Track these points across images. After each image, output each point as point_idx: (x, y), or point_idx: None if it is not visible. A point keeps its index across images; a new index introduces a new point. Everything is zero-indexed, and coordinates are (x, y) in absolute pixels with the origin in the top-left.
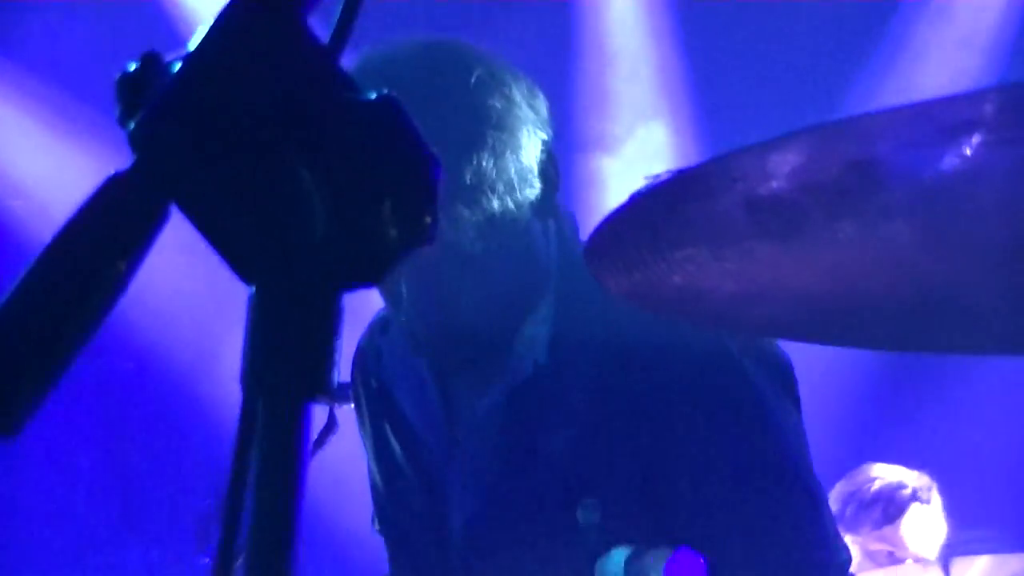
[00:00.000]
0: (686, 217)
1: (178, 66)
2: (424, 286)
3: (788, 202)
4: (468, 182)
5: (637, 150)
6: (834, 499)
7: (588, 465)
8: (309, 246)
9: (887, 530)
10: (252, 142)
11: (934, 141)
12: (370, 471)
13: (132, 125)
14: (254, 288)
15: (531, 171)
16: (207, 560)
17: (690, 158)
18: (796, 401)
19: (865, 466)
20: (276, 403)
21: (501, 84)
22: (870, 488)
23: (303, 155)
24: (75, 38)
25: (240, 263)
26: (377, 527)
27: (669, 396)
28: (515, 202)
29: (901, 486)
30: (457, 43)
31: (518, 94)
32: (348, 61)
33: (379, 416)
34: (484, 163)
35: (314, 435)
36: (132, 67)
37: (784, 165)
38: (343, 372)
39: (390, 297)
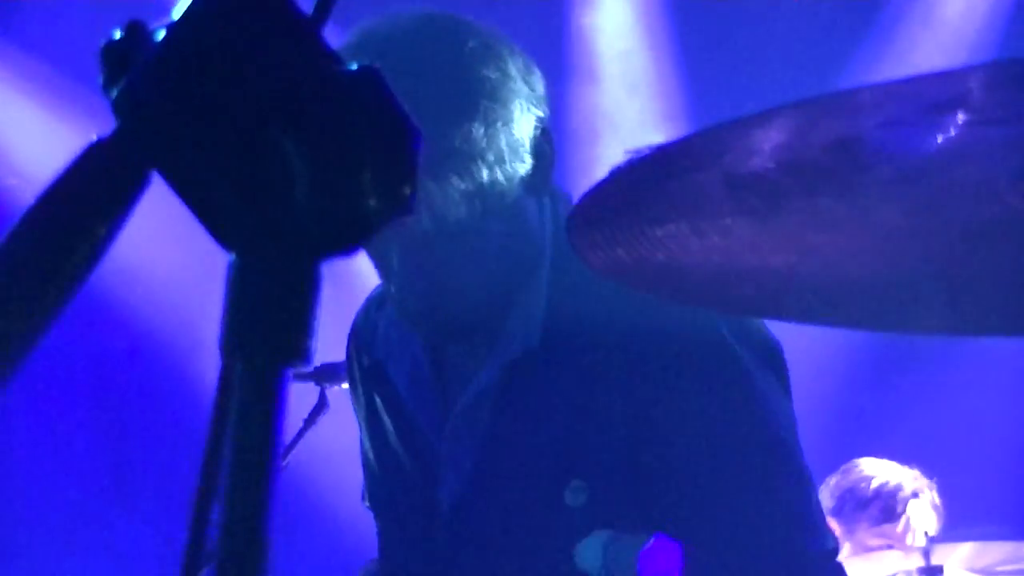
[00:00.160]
0: (667, 193)
1: (162, 34)
2: (414, 257)
3: (769, 180)
4: (458, 149)
5: (630, 131)
6: (828, 494)
7: (577, 446)
8: (289, 214)
9: (887, 527)
10: (234, 111)
11: (919, 119)
12: (362, 448)
13: (115, 92)
14: (234, 255)
15: (523, 145)
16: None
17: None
18: (786, 385)
19: (858, 461)
20: (254, 369)
21: (496, 57)
22: (868, 485)
23: (284, 125)
24: (74, 20)
25: (220, 230)
26: (367, 503)
27: (659, 377)
28: (505, 175)
29: (901, 486)
30: (453, 15)
31: (513, 68)
32: (345, 34)
33: (372, 393)
34: (475, 131)
35: (305, 413)
36: (117, 35)
37: (766, 142)
38: (339, 353)
39: (382, 268)
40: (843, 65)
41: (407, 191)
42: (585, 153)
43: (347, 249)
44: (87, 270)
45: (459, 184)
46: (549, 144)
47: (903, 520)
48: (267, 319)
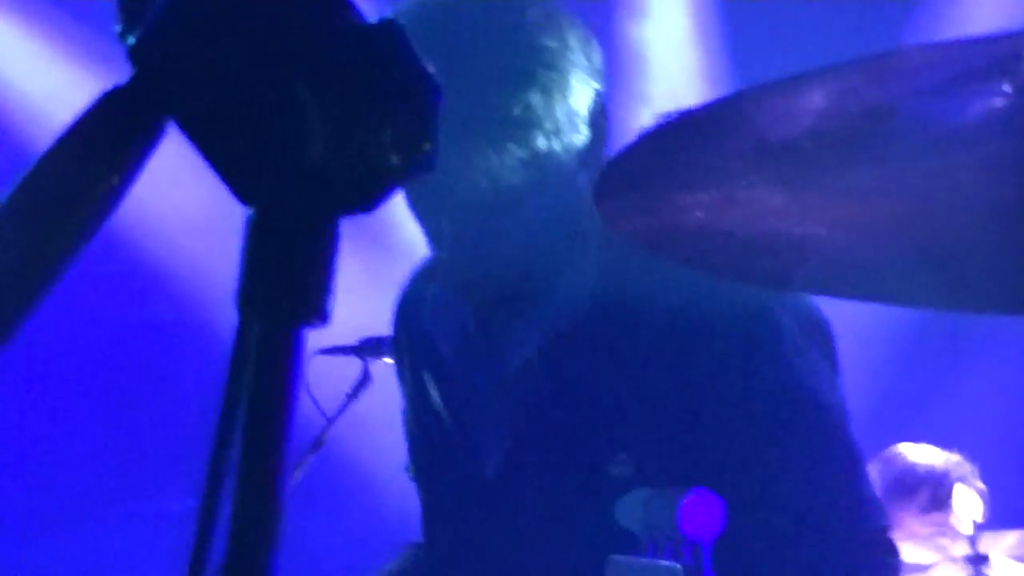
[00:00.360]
0: (696, 160)
1: None
2: (466, 222)
3: (801, 148)
4: (516, 116)
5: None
6: (873, 481)
7: (622, 418)
8: (308, 169)
9: (936, 515)
10: (252, 62)
11: (957, 86)
12: (406, 418)
13: (131, 40)
14: (252, 211)
15: (580, 116)
16: None
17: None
18: (834, 361)
19: (900, 448)
20: (270, 327)
21: (556, 27)
22: (915, 471)
23: (304, 77)
24: None
25: (238, 184)
26: (411, 473)
27: (705, 352)
28: (562, 145)
29: (948, 472)
30: None
31: (573, 39)
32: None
33: (419, 364)
34: (533, 99)
35: (348, 387)
36: None
37: (798, 108)
38: (382, 326)
39: (432, 234)
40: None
41: (427, 147)
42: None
43: (367, 205)
44: (100, 220)
45: (516, 151)
46: (604, 118)
47: (951, 506)
48: (284, 277)
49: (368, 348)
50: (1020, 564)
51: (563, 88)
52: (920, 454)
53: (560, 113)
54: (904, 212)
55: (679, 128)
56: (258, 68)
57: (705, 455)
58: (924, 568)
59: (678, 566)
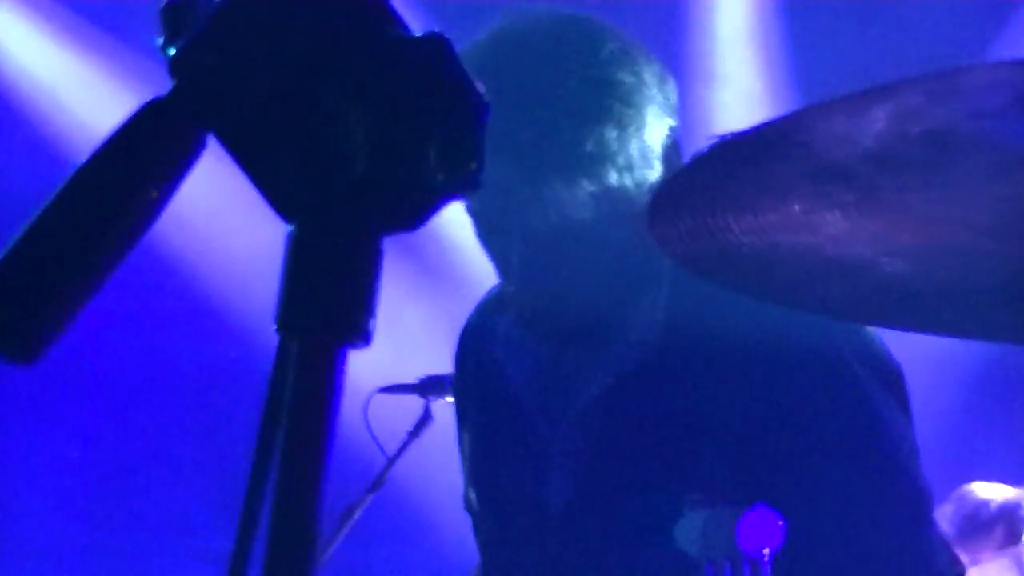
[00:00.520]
0: (751, 184)
1: None
2: (536, 256)
3: (859, 172)
4: (589, 152)
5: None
6: (946, 523)
7: (689, 459)
8: (350, 185)
9: (1011, 550)
10: (295, 76)
11: (1021, 108)
12: (469, 450)
13: (172, 52)
14: (293, 227)
15: (654, 152)
16: None
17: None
18: (907, 408)
19: (972, 486)
20: (310, 347)
21: (633, 61)
22: (988, 508)
23: (347, 91)
24: None
25: (279, 200)
26: (470, 506)
27: (776, 394)
28: (634, 180)
29: (1019, 505)
30: (592, 17)
31: (648, 74)
32: (483, 30)
33: (488, 394)
34: (607, 134)
35: (409, 426)
36: None
37: (856, 130)
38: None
39: (501, 266)
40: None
41: (472, 166)
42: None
43: (411, 223)
44: (138, 234)
45: (587, 186)
46: (678, 154)
47: None
48: (325, 295)
49: (429, 387)
50: None
51: (637, 123)
52: (991, 491)
53: (633, 148)
54: (968, 240)
55: (734, 150)
56: (300, 81)
57: (774, 495)
58: None
59: None
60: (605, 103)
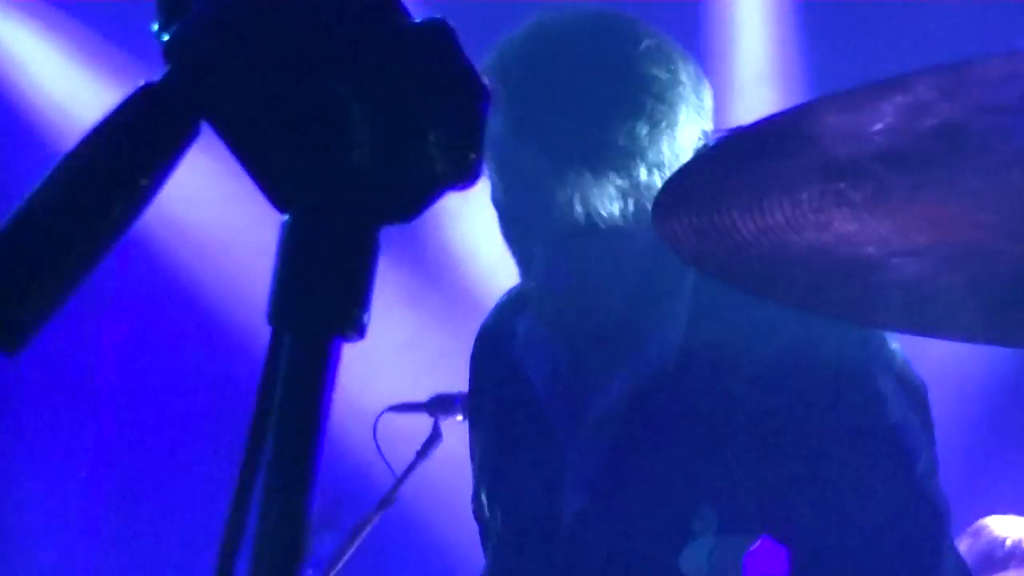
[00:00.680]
0: (757, 181)
1: None
2: (559, 253)
3: (869, 168)
4: (620, 145)
5: None
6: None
7: (708, 472)
8: (348, 175)
9: None
10: (293, 61)
11: None
12: (478, 456)
13: (167, 36)
14: (287, 217)
15: (684, 152)
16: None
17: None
18: (929, 427)
19: (987, 521)
20: (304, 339)
21: (668, 60)
22: (1003, 544)
23: (346, 77)
24: None
25: (274, 189)
26: (480, 512)
27: (795, 407)
28: (663, 179)
29: None
30: (629, 15)
31: (684, 74)
32: (517, 24)
33: (506, 395)
34: (639, 129)
35: (418, 445)
36: None
37: (863, 125)
38: (453, 383)
39: (523, 262)
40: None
41: (473, 156)
42: None
43: (407, 216)
44: (126, 224)
45: (616, 180)
46: None
47: None
48: (319, 287)
49: (439, 405)
50: None
51: (670, 121)
52: (1007, 527)
53: (665, 146)
54: (982, 241)
55: (741, 145)
56: (298, 67)
57: (790, 511)
58: None
59: None
60: (638, 97)
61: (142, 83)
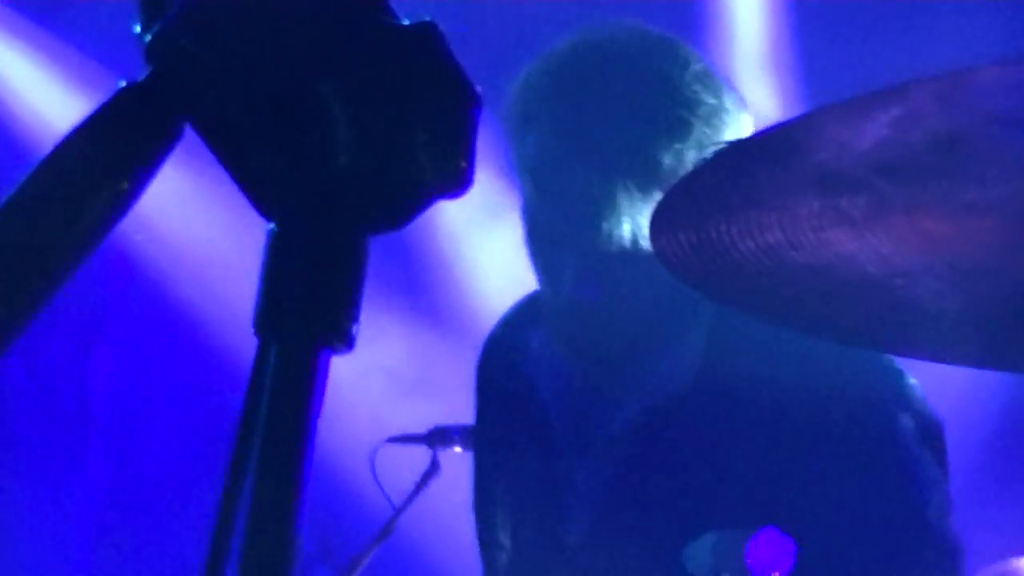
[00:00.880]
0: (753, 196)
1: None
2: (593, 269)
3: (865, 182)
4: (667, 165)
5: None
6: None
7: (713, 497)
8: (334, 181)
9: None
10: (275, 63)
11: None
12: (483, 472)
13: (148, 36)
14: (273, 224)
15: None
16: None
17: None
18: (944, 464)
19: (1014, 562)
20: (290, 349)
21: (716, 85)
22: None
23: (330, 81)
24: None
25: (259, 195)
26: (484, 530)
27: (811, 442)
28: None
29: None
30: (678, 38)
31: (729, 101)
32: (564, 39)
33: (516, 415)
34: (686, 152)
35: (416, 476)
36: None
37: (860, 137)
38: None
39: (550, 278)
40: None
41: (463, 164)
42: None
43: (396, 222)
44: (105, 229)
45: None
46: None
47: None
48: (306, 295)
49: (437, 437)
50: None
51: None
52: None
53: None
54: (985, 260)
55: (736, 159)
56: (281, 69)
57: (799, 541)
58: None
59: None
60: (687, 119)
61: (123, 83)
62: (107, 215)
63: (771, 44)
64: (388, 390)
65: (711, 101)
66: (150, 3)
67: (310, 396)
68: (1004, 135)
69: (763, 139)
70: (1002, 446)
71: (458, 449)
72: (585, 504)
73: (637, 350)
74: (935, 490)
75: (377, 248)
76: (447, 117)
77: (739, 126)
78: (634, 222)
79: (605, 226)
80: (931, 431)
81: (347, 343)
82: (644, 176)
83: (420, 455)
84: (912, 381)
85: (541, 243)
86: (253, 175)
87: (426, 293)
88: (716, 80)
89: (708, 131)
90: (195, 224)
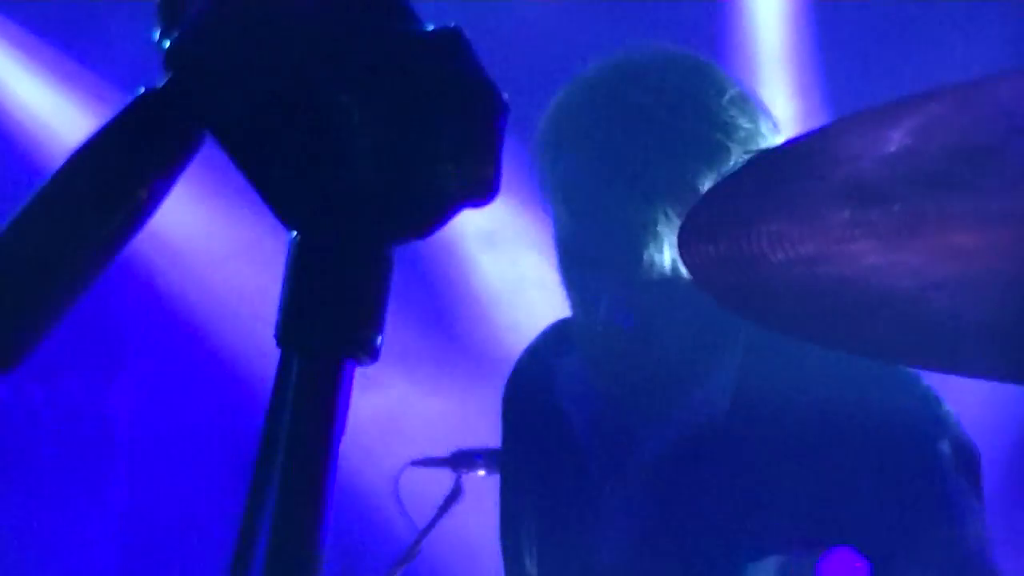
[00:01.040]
0: (782, 208)
1: None
2: (629, 294)
3: (895, 193)
4: (702, 190)
5: None
6: None
7: (754, 522)
8: (357, 189)
9: None
10: (296, 70)
11: None
12: (511, 505)
13: (167, 43)
14: (295, 234)
15: None
16: None
17: None
18: (980, 492)
19: None
20: (313, 361)
21: (753, 109)
22: None
23: (352, 88)
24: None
25: (280, 204)
26: (512, 563)
27: (849, 467)
28: None
29: None
30: (713, 62)
31: (764, 125)
32: (596, 61)
33: (544, 444)
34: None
35: (439, 500)
36: None
37: (891, 146)
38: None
39: (582, 299)
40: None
41: (489, 172)
42: None
43: (420, 231)
44: (125, 237)
45: None
46: None
47: None
48: (329, 306)
49: (461, 460)
50: None
51: None
52: None
53: None
54: (1013, 272)
55: (766, 170)
56: (304, 76)
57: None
58: None
59: None
60: (725, 144)
61: (142, 90)
62: (125, 224)
63: (792, 53)
64: (411, 412)
65: (747, 126)
66: (169, 10)
67: (334, 408)
68: None
69: (793, 148)
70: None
71: (482, 472)
72: (620, 532)
73: (672, 377)
74: (974, 520)
75: (401, 269)
76: (473, 125)
77: None
78: (673, 248)
79: (645, 252)
80: (968, 460)
81: (371, 354)
82: (683, 201)
83: (443, 478)
84: (948, 408)
85: (575, 268)
86: (274, 183)
87: (452, 313)
88: (752, 105)
89: (745, 156)
90: (217, 250)
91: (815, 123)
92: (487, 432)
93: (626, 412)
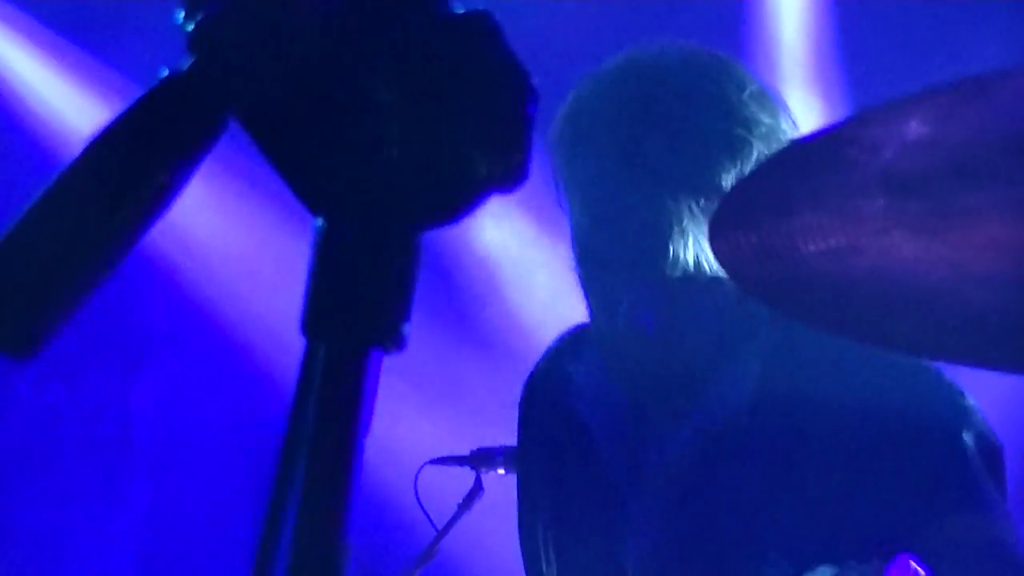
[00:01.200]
0: (815, 199)
1: None
2: (655, 295)
3: (934, 182)
4: (726, 186)
5: None
6: None
7: (779, 519)
8: (384, 175)
9: None
10: (323, 53)
11: None
12: (529, 510)
13: (191, 25)
14: (321, 220)
15: None
16: None
17: None
18: (1003, 489)
19: None
20: (339, 351)
21: (772, 105)
22: None
23: (381, 70)
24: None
25: (306, 190)
26: (533, 567)
27: (876, 463)
28: None
29: None
30: (732, 57)
31: (784, 121)
32: (612, 58)
33: (561, 449)
34: (744, 171)
35: (459, 498)
36: None
37: (929, 135)
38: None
39: (600, 301)
40: None
41: (518, 157)
42: None
43: (449, 219)
44: (146, 222)
45: None
46: None
47: None
48: (355, 295)
49: (480, 459)
50: None
51: None
52: None
53: None
54: None
55: (799, 159)
56: (330, 59)
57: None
58: None
59: None
60: (747, 139)
61: (165, 73)
62: (146, 209)
63: (812, 50)
64: (430, 411)
65: (768, 121)
66: None
67: (361, 396)
68: None
69: (827, 137)
70: None
71: (501, 471)
72: (645, 539)
73: (692, 376)
74: (998, 512)
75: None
76: (502, 109)
77: None
78: (698, 244)
79: (671, 249)
80: (992, 453)
81: (398, 342)
82: (707, 197)
83: (463, 476)
84: (971, 401)
85: (595, 270)
86: (299, 169)
87: (472, 310)
88: (771, 100)
89: (766, 151)
90: (239, 247)
91: (835, 120)
92: (506, 429)
93: (645, 415)
